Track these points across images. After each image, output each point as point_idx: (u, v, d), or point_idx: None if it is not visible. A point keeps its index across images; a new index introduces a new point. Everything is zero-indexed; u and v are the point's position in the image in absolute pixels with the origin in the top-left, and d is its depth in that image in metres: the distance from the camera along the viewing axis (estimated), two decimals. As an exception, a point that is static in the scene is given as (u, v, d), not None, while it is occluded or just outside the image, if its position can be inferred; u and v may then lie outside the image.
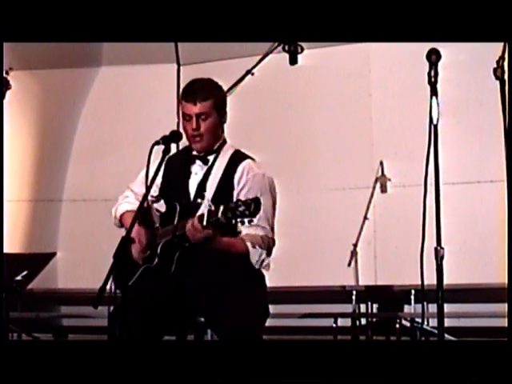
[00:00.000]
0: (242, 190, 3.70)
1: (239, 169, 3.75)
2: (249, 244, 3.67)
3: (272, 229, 3.77)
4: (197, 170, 3.83)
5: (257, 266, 3.69)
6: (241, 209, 3.32)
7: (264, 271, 3.78)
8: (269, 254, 3.73)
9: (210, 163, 3.81)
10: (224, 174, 3.76)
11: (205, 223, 3.44)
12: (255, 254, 3.68)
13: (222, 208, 3.37)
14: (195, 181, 3.80)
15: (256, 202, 3.35)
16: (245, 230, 3.67)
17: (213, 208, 3.43)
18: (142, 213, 3.56)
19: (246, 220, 3.37)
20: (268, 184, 3.77)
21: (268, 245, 3.72)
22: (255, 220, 3.44)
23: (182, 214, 3.67)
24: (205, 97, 3.74)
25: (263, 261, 3.70)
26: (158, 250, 3.68)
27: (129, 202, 3.95)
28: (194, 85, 3.82)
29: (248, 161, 3.80)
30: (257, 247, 3.67)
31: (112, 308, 3.61)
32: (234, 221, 3.38)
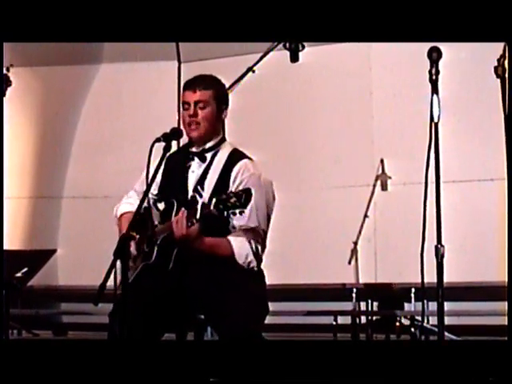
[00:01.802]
0: (236, 189, 3.67)
1: (235, 168, 3.73)
2: (235, 243, 3.64)
3: (264, 227, 3.73)
4: (195, 168, 3.81)
5: (244, 267, 3.67)
6: (232, 200, 3.34)
7: (263, 268, 3.78)
8: (257, 253, 3.69)
9: (207, 161, 3.80)
10: (221, 174, 3.74)
11: (198, 216, 3.45)
12: (241, 257, 3.65)
13: (214, 200, 3.39)
14: (193, 178, 3.79)
15: (247, 192, 3.36)
16: (236, 222, 3.64)
17: (206, 202, 3.44)
18: (142, 211, 3.55)
19: (237, 211, 3.38)
20: (264, 185, 3.74)
21: (256, 241, 3.68)
22: (246, 212, 3.44)
23: (179, 211, 3.65)
24: (205, 86, 3.76)
25: (250, 262, 3.67)
26: (156, 247, 3.67)
27: (129, 203, 3.94)
28: (195, 77, 3.84)
29: (245, 161, 3.77)
30: (244, 247, 3.64)
31: (112, 306, 3.62)
32: (226, 213, 3.39)
